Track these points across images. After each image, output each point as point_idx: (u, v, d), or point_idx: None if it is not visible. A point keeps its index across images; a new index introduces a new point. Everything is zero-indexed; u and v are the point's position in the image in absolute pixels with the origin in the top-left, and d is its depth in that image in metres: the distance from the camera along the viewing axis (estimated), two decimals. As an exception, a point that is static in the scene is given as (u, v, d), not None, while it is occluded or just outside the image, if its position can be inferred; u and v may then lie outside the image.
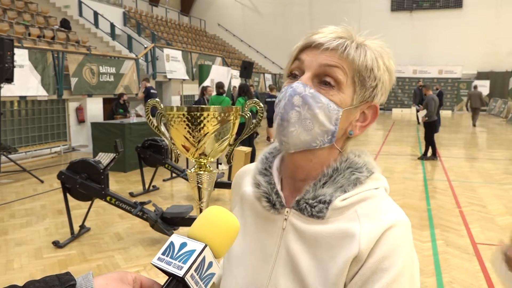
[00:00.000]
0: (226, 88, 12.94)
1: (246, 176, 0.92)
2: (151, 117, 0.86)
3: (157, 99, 0.83)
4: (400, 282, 0.68)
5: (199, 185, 0.82)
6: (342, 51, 0.74)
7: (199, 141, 0.78)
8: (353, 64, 0.74)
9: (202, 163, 0.82)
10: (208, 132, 0.77)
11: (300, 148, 0.76)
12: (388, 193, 0.80)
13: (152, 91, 11.00)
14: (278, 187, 0.81)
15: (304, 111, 0.74)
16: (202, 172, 0.82)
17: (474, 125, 16.78)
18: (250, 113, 0.84)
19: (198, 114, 0.76)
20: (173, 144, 0.83)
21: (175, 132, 0.79)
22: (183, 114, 0.76)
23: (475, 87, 18.00)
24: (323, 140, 0.75)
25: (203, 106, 0.77)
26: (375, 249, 0.69)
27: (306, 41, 0.77)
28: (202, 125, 0.76)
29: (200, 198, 0.83)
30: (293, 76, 0.79)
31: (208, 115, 0.76)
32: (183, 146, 0.80)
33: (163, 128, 0.88)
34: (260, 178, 0.84)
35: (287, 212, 0.79)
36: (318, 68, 0.75)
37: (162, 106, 0.81)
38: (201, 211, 0.83)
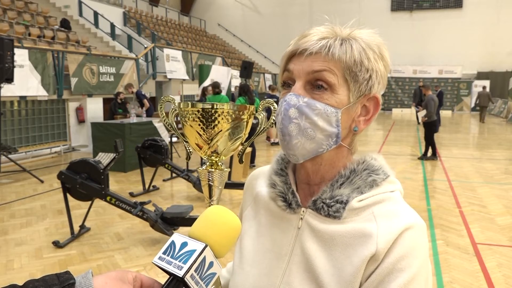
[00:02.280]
0: (226, 88, 12.96)
1: (260, 178, 0.93)
2: (164, 114, 0.86)
3: (171, 96, 0.83)
4: (415, 283, 0.68)
5: (210, 183, 0.82)
6: (326, 53, 0.73)
7: (212, 139, 0.78)
8: (340, 63, 0.73)
9: (214, 161, 0.82)
10: (221, 130, 0.77)
11: (308, 157, 0.76)
12: (402, 196, 0.80)
13: (143, 93, 10.97)
14: (294, 187, 0.83)
15: (302, 121, 0.73)
16: (213, 170, 0.82)
17: (482, 121, 18.51)
18: (264, 113, 0.84)
19: (213, 111, 0.76)
20: (186, 141, 0.83)
21: (189, 129, 0.79)
22: (198, 111, 0.76)
23: (484, 87, 19.52)
24: (328, 143, 0.75)
25: (218, 103, 0.77)
26: (392, 249, 0.69)
27: (291, 49, 0.77)
28: (216, 122, 0.76)
29: (210, 196, 0.83)
30: (287, 85, 0.79)
31: (222, 112, 0.76)
32: (196, 144, 0.80)
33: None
34: (276, 178, 0.85)
35: (303, 211, 0.80)
36: (307, 75, 0.74)
37: (176, 104, 0.81)
38: None
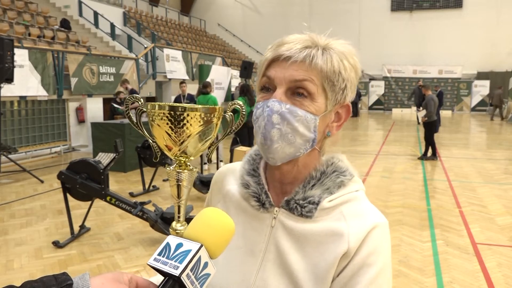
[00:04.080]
0: (226, 88, 12.94)
1: (229, 175, 0.96)
2: (131, 113, 0.85)
3: (136, 95, 0.83)
4: (383, 275, 0.76)
5: (179, 183, 0.82)
6: (310, 62, 0.76)
7: (182, 142, 0.77)
8: (321, 72, 0.77)
9: (182, 162, 0.82)
10: (192, 133, 0.76)
11: (286, 160, 0.81)
12: (365, 193, 0.87)
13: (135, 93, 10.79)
14: (266, 187, 0.86)
15: (284, 127, 0.77)
16: (181, 170, 0.82)
17: (493, 118, 19.57)
18: (232, 114, 0.84)
19: (185, 114, 0.75)
20: (154, 142, 0.83)
21: (157, 129, 0.78)
22: (170, 114, 0.75)
23: (499, 87, 20.48)
24: (305, 147, 0.80)
25: (186, 105, 0.76)
26: (362, 246, 0.76)
27: (273, 54, 0.79)
28: (188, 125, 0.75)
29: (179, 196, 0.83)
30: (265, 89, 0.81)
31: (194, 115, 0.75)
32: (165, 145, 0.80)
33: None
34: (249, 178, 0.88)
35: (276, 211, 0.84)
36: (289, 83, 0.78)
37: (142, 102, 0.81)
38: (179, 208, 0.83)
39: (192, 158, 0.82)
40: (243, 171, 0.91)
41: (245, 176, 0.89)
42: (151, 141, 0.83)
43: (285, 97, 0.78)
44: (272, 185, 0.87)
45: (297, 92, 0.78)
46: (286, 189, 0.85)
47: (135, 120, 0.84)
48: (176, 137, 0.76)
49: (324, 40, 0.80)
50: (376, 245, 0.77)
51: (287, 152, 0.79)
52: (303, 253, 0.78)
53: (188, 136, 0.76)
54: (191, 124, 0.75)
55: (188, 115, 0.74)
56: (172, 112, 0.74)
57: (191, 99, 10.24)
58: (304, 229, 0.79)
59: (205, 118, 0.76)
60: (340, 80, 0.79)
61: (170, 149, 0.79)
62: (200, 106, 0.77)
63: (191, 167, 0.82)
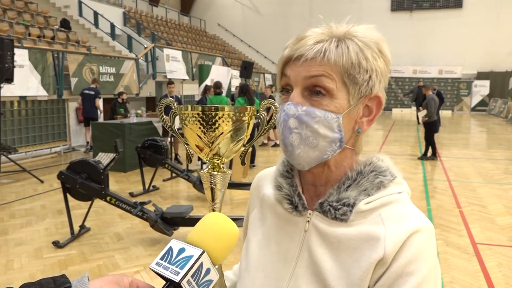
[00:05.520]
0: (226, 88, 12.93)
1: (266, 179, 0.91)
2: (164, 116, 0.85)
3: (171, 98, 0.83)
4: (425, 286, 0.67)
5: (212, 185, 0.81)
6: (322, 58, 0.70)
7: (213, 142, 0.77)
8: (337, 67, 0.71)
9: (216, 164, 0.81)
10: (223, 133, 0.76)
11: (313, 164, 0.75)
12: (410, 197, 0.79)
13: (85, 91, 9.99)
14: (300, 189, 0.82)
15: (303, 130, 0.72)
16: (215, 173, 0.81)
17: None
18: (265, 114, 0.83)
19: (213, 114, 0.75)
20: (187, 144, 0.82)
21: (189, 132, 0.78)
22: (198, 114, 0.75)
23: None
24: (332, 149, 0.74)
25: (218, 105, 0.76)
26: (400, 252, 0.68)
27: (288, 53, 0.74)
28: (217, 125, 0.75)
29: (213, 199, 0.82)
30: (285, 91, 0.77)
31: (223, 115, 0.75)
32: (197, 146, 0.79)
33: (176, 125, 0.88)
34: (282, 180, 0.84)
35: (309, 214, 0.79)
36: (304, 81, 0.72)
37: (176, 106, 0.81)
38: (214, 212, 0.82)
39: (225, 160, 0.81)
40: (277, 172, 0.86)
41: (278, 178, 0.85)
42: (184, 144, 0.83)
43: (302, 98, 0.72)
44: (306, 188, 0.82)
45: (314, 91, 0.72)
46: (320, 192, 0.79)
47: (169, 124, 0.84)
48: (206, 136, 0.76)
49: (343, 29, 0.73)
50: (417, 251, 0.68)
51: (312, 156, 0.73)
52: (338, 259, 0.73)
53: (219, 136, 0.76)
54: (219, 124, 0.75)
55: (217, 115, 0.75)
56: (200, 113, 0.75)
57: (178, 101, 10.01)
58: (338, 234, 0.73)
59: (234, 118, 0.76)
60: (362, 71, 0.71)
61: (201, 150, 0.79)
62: (230, 105, 0.78)
63: (224, 169, 0.81)
